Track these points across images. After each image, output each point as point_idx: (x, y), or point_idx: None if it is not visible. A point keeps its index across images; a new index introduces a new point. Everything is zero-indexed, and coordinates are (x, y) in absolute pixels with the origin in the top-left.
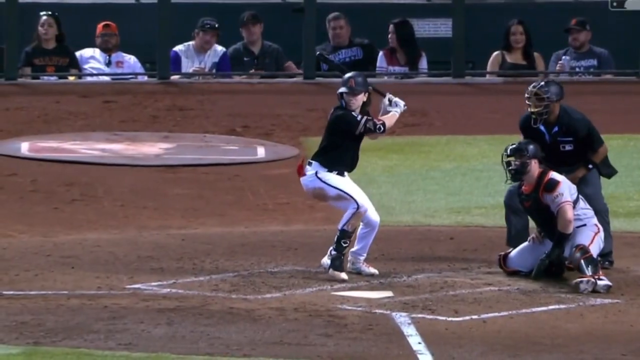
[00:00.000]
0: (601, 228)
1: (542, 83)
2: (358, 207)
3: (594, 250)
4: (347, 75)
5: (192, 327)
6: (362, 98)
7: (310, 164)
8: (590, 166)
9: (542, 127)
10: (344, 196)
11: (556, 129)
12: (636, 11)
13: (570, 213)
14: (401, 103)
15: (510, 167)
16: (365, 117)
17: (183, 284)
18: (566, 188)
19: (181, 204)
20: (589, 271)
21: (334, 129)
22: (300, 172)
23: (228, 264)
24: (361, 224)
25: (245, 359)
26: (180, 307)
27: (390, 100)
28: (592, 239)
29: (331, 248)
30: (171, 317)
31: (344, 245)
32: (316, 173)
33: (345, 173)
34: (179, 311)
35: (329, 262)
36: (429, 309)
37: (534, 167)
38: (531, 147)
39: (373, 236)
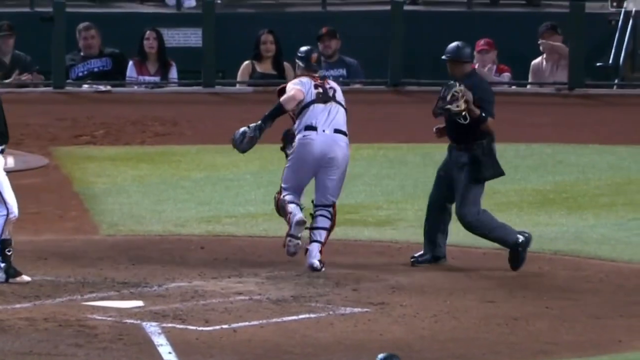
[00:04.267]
0: None
1: None
2: (8, 213)
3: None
4: None
5: None
6: None
7: None
8: None
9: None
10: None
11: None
12: (387, 22)
13: None
14: None
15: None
16: None
17: None
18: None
19: None
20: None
21: None
22: None
23: None
24: None
25: None
26: None
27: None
28: None
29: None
30: None
31: (9, 253)
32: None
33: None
34: None
35: (4, 275)
36: (180, 319)
37: None
38: None
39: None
